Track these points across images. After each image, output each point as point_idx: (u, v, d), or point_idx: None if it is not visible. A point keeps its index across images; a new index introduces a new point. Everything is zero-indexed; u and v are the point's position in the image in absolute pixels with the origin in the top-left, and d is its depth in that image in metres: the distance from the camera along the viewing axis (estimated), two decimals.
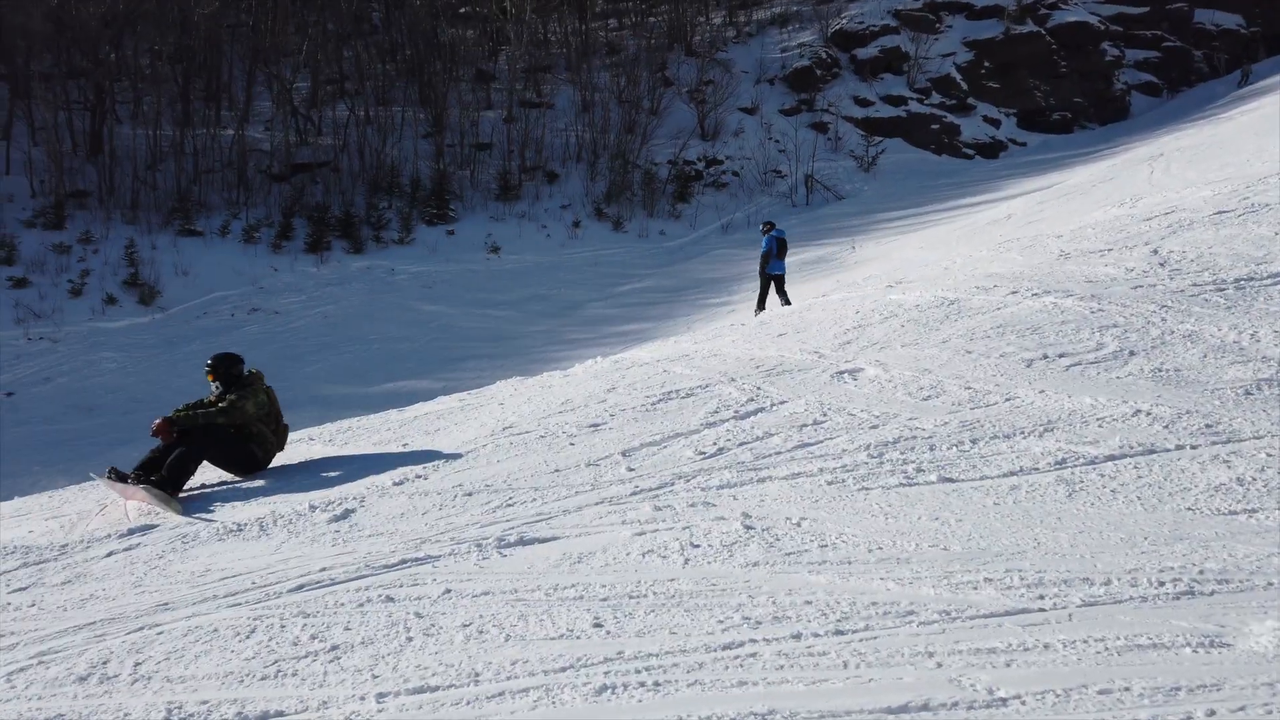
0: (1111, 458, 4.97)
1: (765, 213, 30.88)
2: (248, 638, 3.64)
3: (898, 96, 35.91)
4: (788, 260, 15.91)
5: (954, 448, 5.40)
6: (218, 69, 31.78)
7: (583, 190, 30.87)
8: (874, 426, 5.90)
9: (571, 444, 6.25)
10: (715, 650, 3.28)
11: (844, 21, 38.21)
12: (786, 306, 12.60)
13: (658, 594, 3.85)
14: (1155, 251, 9.30)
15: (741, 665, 3.16)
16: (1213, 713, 2.55)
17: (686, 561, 4.20)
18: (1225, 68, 35.42)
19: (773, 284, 15.17)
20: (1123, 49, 37.35)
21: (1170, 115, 33.09)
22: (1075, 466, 4.93)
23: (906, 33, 36.99)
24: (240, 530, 5.11)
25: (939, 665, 3.03)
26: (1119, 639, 3.07)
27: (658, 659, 3.25)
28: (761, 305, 14.76)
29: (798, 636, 3.34)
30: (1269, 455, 4.78)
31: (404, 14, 36.57)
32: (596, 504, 5.11)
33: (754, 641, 3.33)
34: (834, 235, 26.58)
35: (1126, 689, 2.73)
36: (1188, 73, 36.30)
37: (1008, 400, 6.08)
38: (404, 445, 6.90)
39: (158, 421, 6.08)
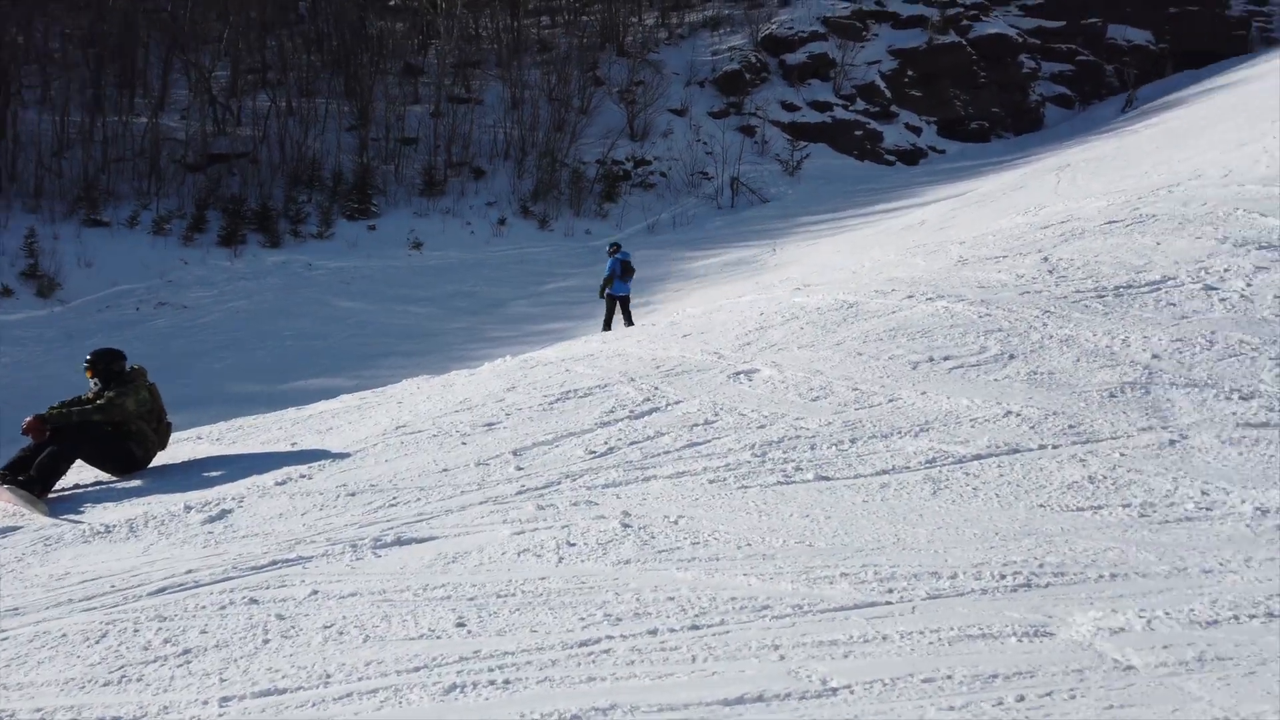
0: (978, 457, 5.17)
1: (691, 213, 31.17)
2: (97, 643, 3.56)
3: (824, 102, 36.56)
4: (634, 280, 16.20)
5: (834, 447, 5.54)
6: (133, 55, 30.75)
7: (509, 188, 30.71)
8: (761, 426, 6.02)
9: (463, 443, 6.23)
10: (571, 647, 3.32)
11: (774, 27, 38.75)
12: (630, 326, 12.75)
13: (526, 593, 3.88)
14: (1046, 259, 9.65)
15: (594, 661, 3.21)
16: (1022, 698, 2.69)
17: (560, 560, 4.24)
18: (1135, 82, 36.91)
19: (618, 305, 15.43)
20: (1039, 62, 38.66)
21: (1081, 127, 34.36)
22: (944, 465, 5.12)
23: (834, 40, 37.70)
24: (108, 532, 4.97)
25: (782, 658, 3.12)
26: (953, 630, 3.20)
27: (512, 657, 3.28)
28: (607, 326, 14.92)
29: (654, 632, 3.40)
30: (1121, 455, 5.03)
31: (331, 4, 35.90)
32: (480, 503, 5.12)
33: (610, 638, 3.38)
34: (757, 238, 26.95)
35: (949, 677, 2.85)
36: (1099, 86, 37.73)
37: (891, 401, 6.27)
38: (293, 444, 6.80)
39: (29, 419, 5.88)
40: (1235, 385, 6.06)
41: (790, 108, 36.36)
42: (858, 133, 35.64)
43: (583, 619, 3.56)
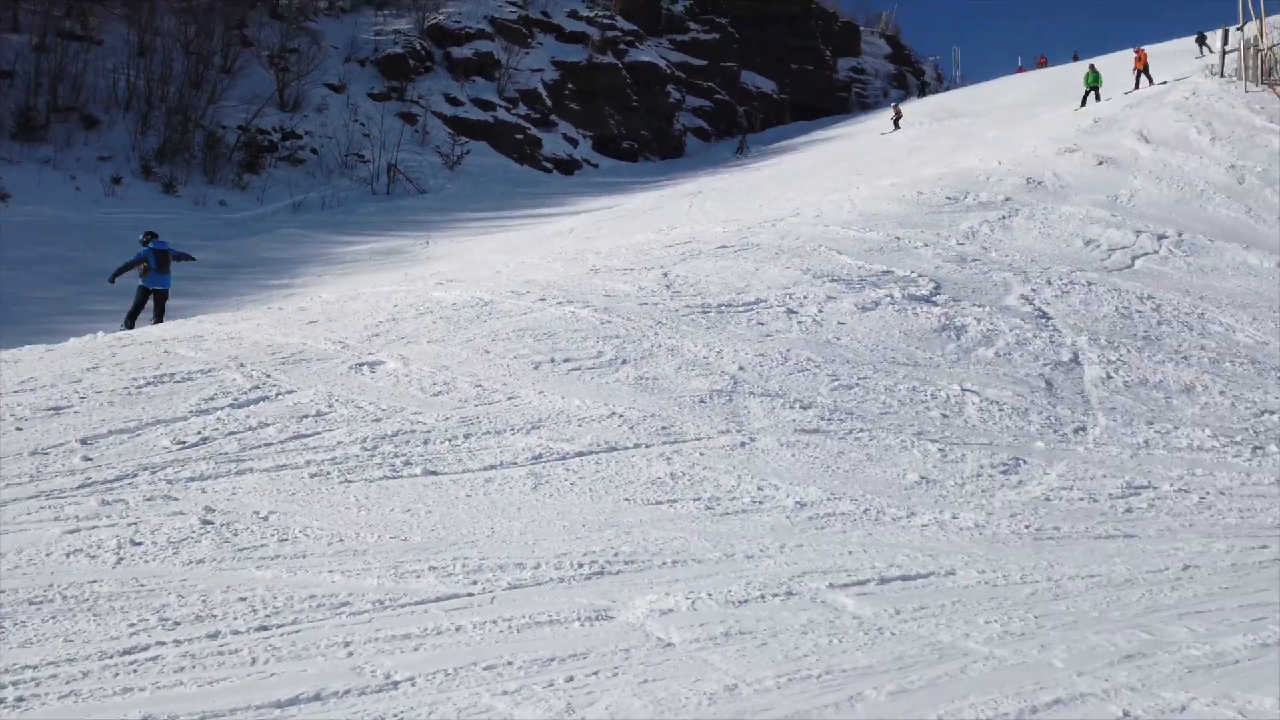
0: (580, 454, 5.48)
1: (342, 195, 29.76)
2: None
3: (488, 101, 36.73)
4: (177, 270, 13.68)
5: (447, 442, 5.57)
6: None
7: (129, 143, 27.19)
8: (377, 420, 5.88)
9: (19, 429, 5.38)
10: (111, 657, 2.99)
11: (441, 17, 38.21)
12: (158, 325, 10.70)
13: (68, 598, 3.43)
14: (666, 275, 10.50)
15: (135, 671, 2.91)
16: (571, 678, 2.88)
17: (120, 561, 3.81)
18: (760, 125, 41.45)
19: (152, 298, 13.09)
20: (684, 94, 42.02)
21: (716, 158, 37.86)
22: (548, 461, 5.35)
23: (500, 41, 38.02)
24: None
25: (350, 654, 3.06)
26: (524, 618, 3.35)
27: (34, 671, 2.88)
28: (130, 323, 12.46)
29: (214, 635, 3.17)
30: (701, 454, 5.60)
31: None
32: (30, 498, 4.45)
33: (162, 644, 3.09)
34: (411, 228, 26.36)
35: (510, 663, 2.98)
36: (731, 124, 41.86)
37: (510, 399, 6.44)
38: None
39: None
40: (799, 396, 7.02)
41: (454, 102, 36.08)
42: (519, 136, 36.27)
43: (133, 625, 3.23)
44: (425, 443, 5.54)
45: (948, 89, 43.99)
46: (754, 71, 43.98)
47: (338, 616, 3.36)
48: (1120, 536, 4.71)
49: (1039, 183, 17.32)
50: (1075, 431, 7.28)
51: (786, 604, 3.53)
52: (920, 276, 11.35)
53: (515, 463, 5.30)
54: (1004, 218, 15.20)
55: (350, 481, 4.92)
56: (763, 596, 3.59)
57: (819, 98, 44.34)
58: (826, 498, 5.12)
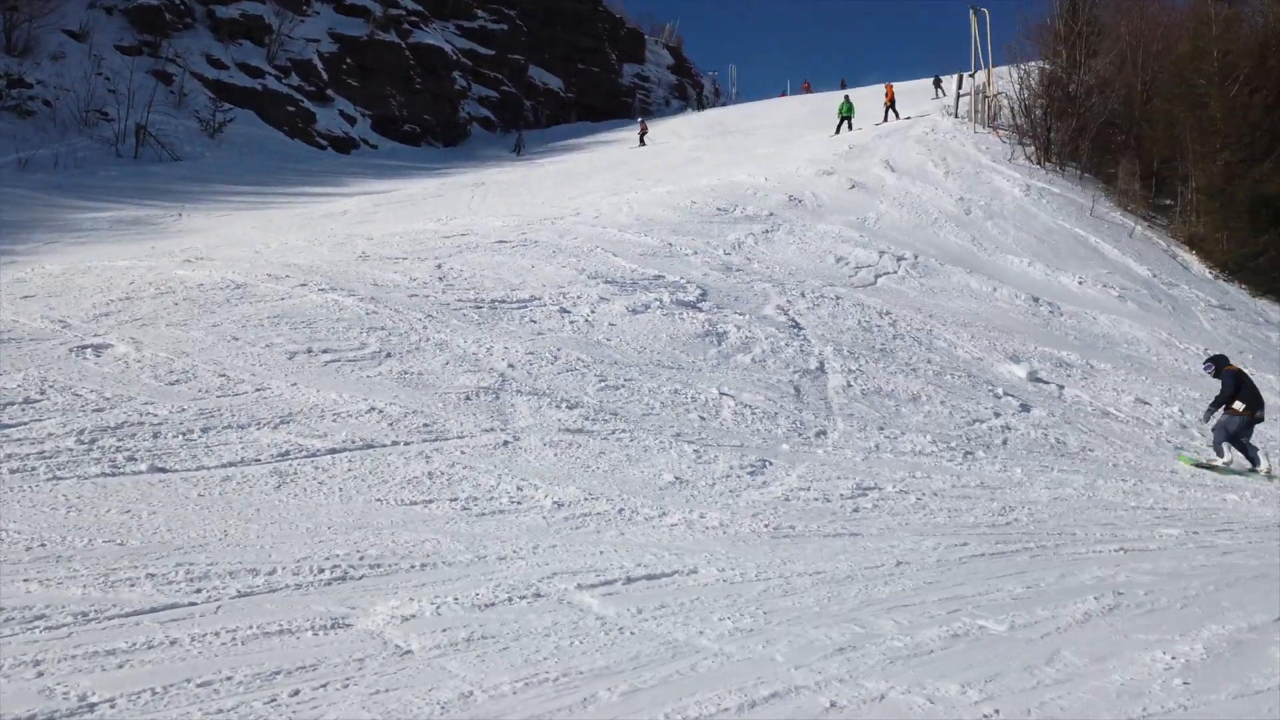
0: (333, 451, 5.23)
1: (80, 155, 26.79)
2: None
3: (255, 68, 34.28)
4: None
5: (181, 436, 5.13)
6: None
7: None
8: (99, 410, 5.32)
9: None
10: None
11: None
12: None
13: None
14: (439, 266, 10.27)
15: None
16: (297, 692, 2.73)
17: None
18: (547, 121, 41.51)
19: None
20: (470, 82, 41.29)
21: (500, 149, 37.49)
22: (296, 459, 5.06)
23: (272, 5, 35.60)
24: None
25: (40, 674, 2.73)
26: (252, 628, 3.14)
27: None
28: None
29: None
30: (462, 453, 5.52)
31: None
32: None
33: None
34: (162, 198, 24.09)
35: (229, 678, 2.77)
36: (517, 118, 41.62)
37: (258, 390, 6.03)
38: None
39: None
40: (566, 396, 7.09)
41: (217, 64, 33.36)
42: (290, 108, 34.13)
43: None
44: (155, 436, 5.08)
45: (724, 104, 46.11)
46: (542, 67, 43.97)
47: (29, 632, 2.99)
48: (847, 535, 5.12)
49: (800, 201, 18.55)
50: (817, 435, 7.85)
51: (533, 606, 3.54)
52: (689, 283, 11.81)
53: (259, 460, 4.97)
54: (767, 231, 16.14)
55: (60, 479, 4.41)
56: (510, 599, 3.58)
57: (604, 100, 45.06)
58: (584, 497, 5.19)
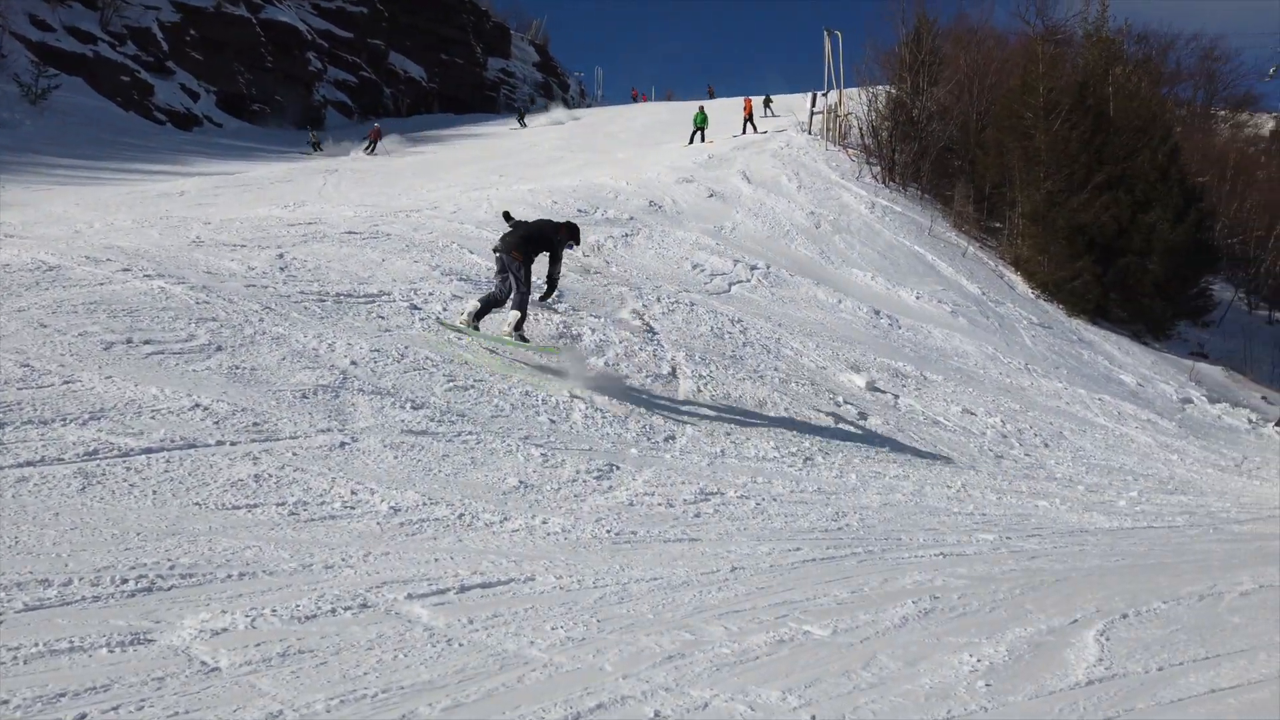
0: (148, 450, 4.87)
1: None
2: None
3: (87, 33, 31.82)
4: None
5: None
6: None
7: None
8: None
9: None
10: None
11: None
12: None
13: None
14: (281, 256, 9.78)
15: None
16: (83, 716, 2.51)
17: None
18: (407, 110, 40.41)
19: None
20: (326, 65, 39.70)
21: (357, 135, 36.21)
22: (106, 458, 4.69)
23: None
24: None
25: None
26: (37, 646, 2.87)
27: None
28: None
29: None
30: (294, 454, 5.26)
31: None
32: None
33: None
34: None
35: (4, 702, 2.52)
36: (376, 105, 40.34)
37: (67, 383, 5.55)
38: None
39: None
40: (411, 396, 6.88)
41: (43, 26, 30.75)
42: (125, 79, 31.85)
43: None
44: None
45: (589, 106, 46.25)
46: (403, 55, 42.77)
47: None
48: (686, 540, 5.19)
49: (660, 206, 18.79)
50: (665, 440, 7.94)
51: (358, 618, 3.40)
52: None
53: (62, 459, 4.57)
54: (627, 235, 16.26)
55: None
56: (334, 610, 3.42)
57: (468, 93, 44.30)
58: (423, 502, 5.04)
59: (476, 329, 8.70)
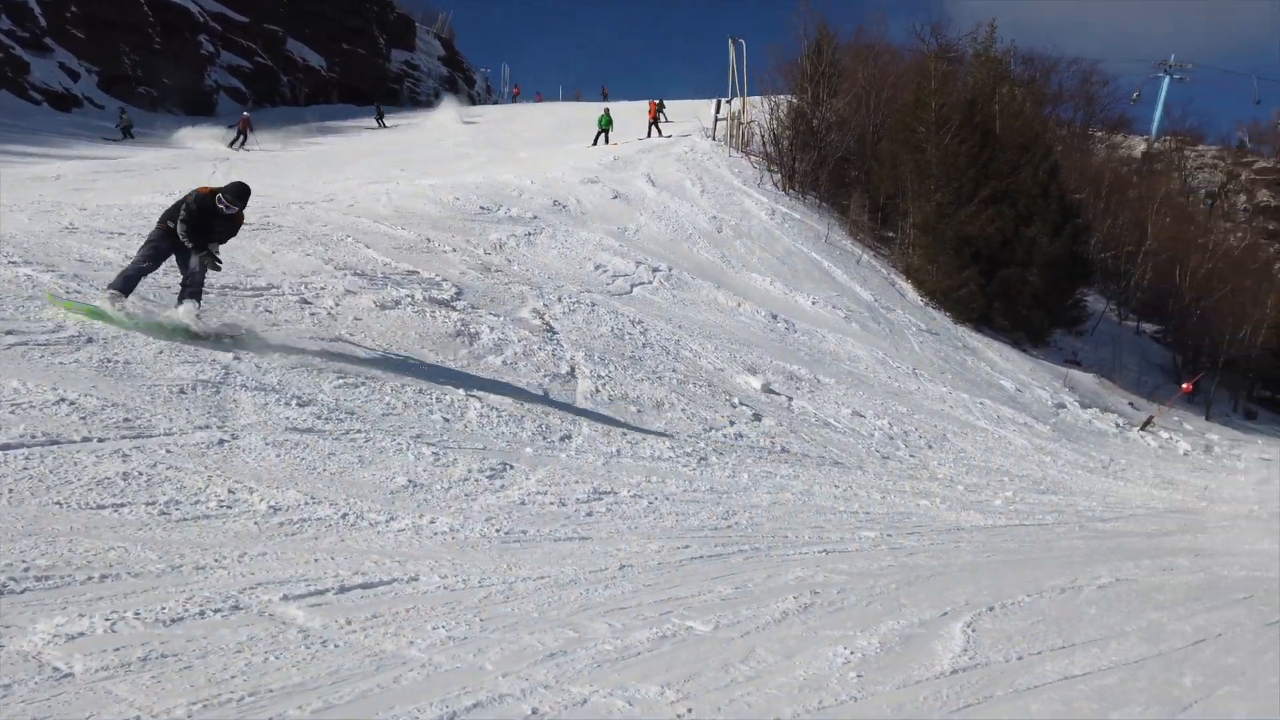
0: (5, 447, 4.59)
1: None
2: None
3: None
4: None
5: None
6: None
7: None
8: None
9: None
10: None
11: None
12: None
13: None
14: None
15: None
16: None
17: None
18: (305, 99, 39.19)
19: None
20: (219, 49, 38.17)
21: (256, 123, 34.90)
22: None
23: None
24: None
25: None
26: None
27: None
28: None
29: None
30: (168, 452, 5.04)
31: None
32: None
33: None
34: None
35: None
36: (272, 93, 39.00)
37: None
38: None
39: None
40: (298, 392, 6.68)
41: None
42: None
43: None
44: None
45: (495, 103, 45.81)
46: (302, 42, 41.48)
47: None
48: (577, 539, 5.20)
49: (564, 206, 18.75)
50: (561, 439, 7.93)
51: (229, 620, 3.29)
52: (444, 281, 11.57)
53: None
54: (530, 234, 16.17)
55: None
56: (202, 613, 3.30)
57: (371, 84, 43.26)
58: (305, 501, 4.90)
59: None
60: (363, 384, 7.43)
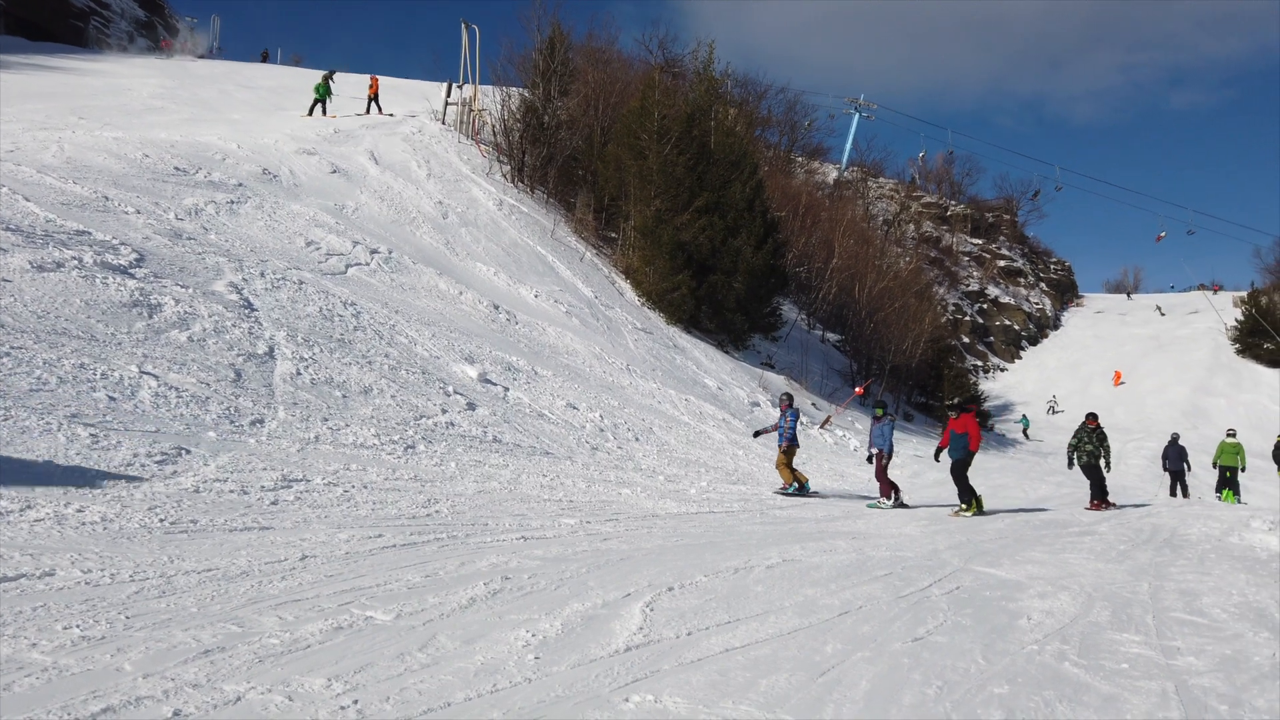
0: None
1: None
2: None
3: None
4: None
5: None
6: None
7: None
8: None
9: None
10: None
11: None
12: None
13: None
14: None
15: None
16: None
17: None
18: None
19: None
20: None
21: None
22: None
23: None
24: None
25: None
26: None
27: None
28: None
29: None
30: None
31: None
32: None
33: None
34: None
35: None
36: None
37: None
38: None
39: None
40: None
41: None
42: None
43: None
44: None
45: (204, 57, 41.82)
46: None
47: None
48: (256, 529, 4.86)
49: (275, 176, 17.48)
50: (252, 424, 7.38)
51: None
52: (123, 245, 10.36)
53: None
54: (233, 202, 14.91)
55: None
56: None
57: (49, 19, 37.78)
58: None
59: None
60: (6, 355, 6.47)
